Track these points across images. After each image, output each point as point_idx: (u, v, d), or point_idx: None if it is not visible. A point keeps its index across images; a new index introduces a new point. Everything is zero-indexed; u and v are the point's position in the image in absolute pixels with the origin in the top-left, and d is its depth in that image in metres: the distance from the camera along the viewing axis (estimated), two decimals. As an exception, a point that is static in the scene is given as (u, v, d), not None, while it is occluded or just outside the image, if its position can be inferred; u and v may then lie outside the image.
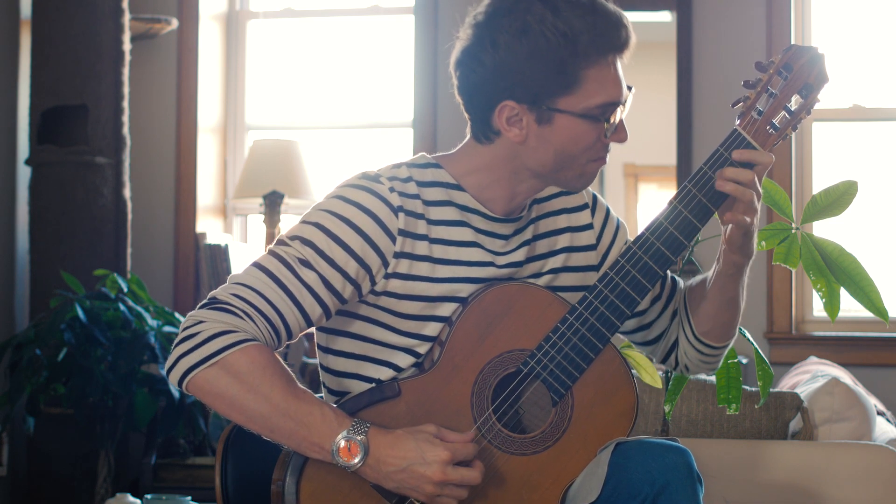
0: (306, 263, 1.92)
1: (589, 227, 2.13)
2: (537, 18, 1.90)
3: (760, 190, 1.98)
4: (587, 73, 1.92)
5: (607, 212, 2.17)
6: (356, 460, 1.85)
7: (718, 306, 2.09)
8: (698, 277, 2.15)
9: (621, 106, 1.96)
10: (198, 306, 1.90)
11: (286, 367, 1.89)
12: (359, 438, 1.85)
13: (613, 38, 1.93)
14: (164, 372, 3.97)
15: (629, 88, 1.99)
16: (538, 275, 2.06)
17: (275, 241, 1.96)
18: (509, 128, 1.96)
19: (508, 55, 1.92)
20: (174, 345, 1.88)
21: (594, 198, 2.16)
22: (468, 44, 1.96)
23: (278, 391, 1.85)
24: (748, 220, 1.97)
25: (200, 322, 1.87)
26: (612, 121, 1.96)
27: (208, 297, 1.90)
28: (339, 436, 1.85)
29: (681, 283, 2.21)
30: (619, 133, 1.98)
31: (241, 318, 1.87)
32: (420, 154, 2.07)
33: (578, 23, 1.90)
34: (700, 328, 2.12)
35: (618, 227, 2.17)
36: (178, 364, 1.86)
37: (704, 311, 2.11)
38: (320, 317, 1.95)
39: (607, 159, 2.01)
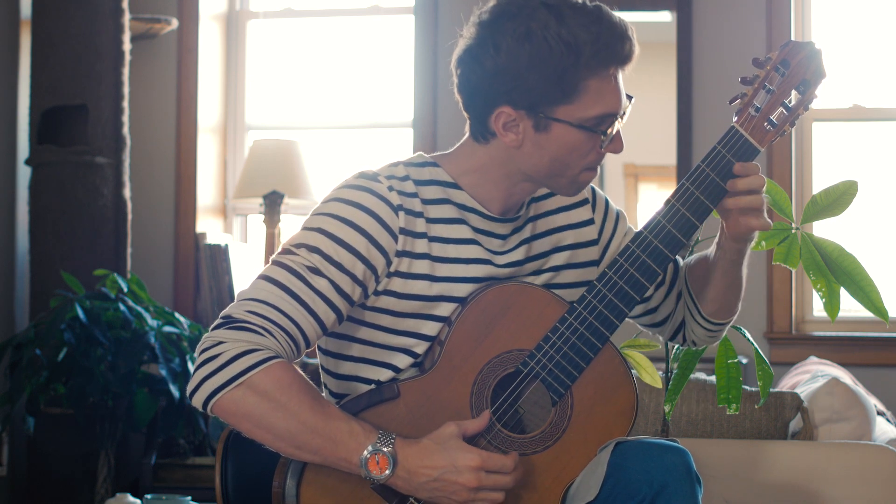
0: (316, 271, 1.91)
1: (590, 222, 2.13)
2: (541, 25, 1.89)
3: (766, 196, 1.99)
4: (587, 84, 1.91)
5: (606, 204, 2.17)
6: (386, 472, 1.84)
7: (724, 289, 2.10)
8: (695, 257, 2.16)
9: (619, 118, 1.96)
10: (212, 326, 1.89)
11: (310, 382, 1.88)
12: (386, 450, 1.84)
13: (617, 51, 1.92)
14: (162, 371, 3.97)
15: (629, 98, 1.98)
16: (538, 272, 2.06)
17: (279, 251, 1.95)
18: (505, 132, 1.96)
19: (509, 60, 1.90)
20: (195, 367, 1.86)
21: (593, 192, 2.16)
22: (470, 43, 1.95)
23: (305, 408, 1.84)
24: (765, 223, 1.98)
25: (221, 343, 1.85)
26: (609, 132, 1.95)
27: (222, 315, 1.88)
28: (366, 450, 1.84)
29: (681, 261, 2.22)
30: (615, 144, 1.98)
31: (261, 334, 1.86)
32: (417, 153, 2.07)
33: (582, 33, 1.89)
34: (707, 309, 2.14)
35: (618, 218, 2.17)
36: (203, 387, 1.85)
37: (710, 295, 2.12)
38: (334, 322, 1.94)
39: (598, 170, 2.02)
